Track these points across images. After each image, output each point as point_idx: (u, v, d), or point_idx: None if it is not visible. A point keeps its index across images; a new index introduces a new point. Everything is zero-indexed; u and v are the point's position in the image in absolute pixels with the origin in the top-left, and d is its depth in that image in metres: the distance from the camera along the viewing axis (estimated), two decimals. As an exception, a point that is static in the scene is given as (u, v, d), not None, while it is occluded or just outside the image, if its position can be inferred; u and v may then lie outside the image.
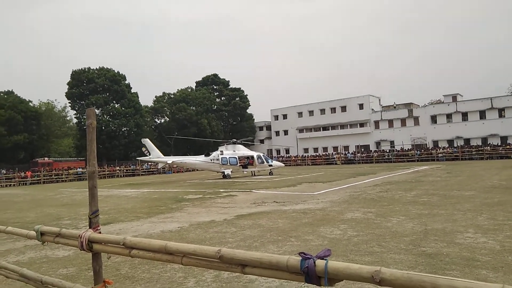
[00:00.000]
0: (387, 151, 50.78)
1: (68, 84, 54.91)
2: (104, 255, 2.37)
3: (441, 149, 46.02)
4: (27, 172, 39.77)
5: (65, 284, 2.52)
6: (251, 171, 29.74)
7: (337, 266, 1.35)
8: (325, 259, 1.39)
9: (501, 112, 48.77)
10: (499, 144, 44.70)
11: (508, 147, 40.90)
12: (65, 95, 55.51)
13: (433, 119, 53.65)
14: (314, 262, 1.37)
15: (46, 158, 48.20)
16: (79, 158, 52.29)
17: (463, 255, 5.13)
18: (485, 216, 7.87)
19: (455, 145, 48.42)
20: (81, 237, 2.24)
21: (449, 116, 52.50)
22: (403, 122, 56.11)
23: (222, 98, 71.89)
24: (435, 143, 52.12)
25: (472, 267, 4.59)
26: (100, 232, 2.35)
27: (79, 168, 43.99)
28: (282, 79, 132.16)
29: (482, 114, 49.81)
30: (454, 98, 53.64)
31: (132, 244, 1.99)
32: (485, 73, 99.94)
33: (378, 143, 57.52)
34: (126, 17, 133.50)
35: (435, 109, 54.34)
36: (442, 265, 4.75)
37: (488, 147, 42.55)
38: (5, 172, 40.74)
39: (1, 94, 51.31)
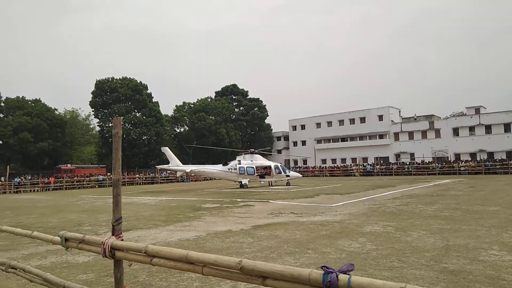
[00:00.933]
0: (407, 163, 49.81)
1: (92, 93, 56.47)
2: (126, 262, 2.41)
3: (463, 163, 44.80)
4: (50, 178, 40.88)
5: (87, 290, 2.56)
6: (268, 181, 29.66)
7: (360, 281, 1.34)
8: (348, 274, 1.38)
9: (526, 125, 47.27)
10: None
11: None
12: (89, 104, 57.10)
13: (455, 131, 52.44)
14: (337, 277, 1.36)
15: (68, 165, 49.44)
16: (100, 165, 53.39)
17: (488, 273, 4.96)
18: (511, 232, 7.59)
19: (478, 159, 47.08)
20: (104, 244, 2.29)
21: (471, 128, 51.21)
22: (423, 134, 55.05)
23: (241, 108, 72.37)
24: (457, 156, 50.83)
25: (498, 286, 4.43)
26: (122, 239, 2.39)
27: (100, 175, 44.89)
28: (301, 90, 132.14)
29: (507, 127, 48.38)
30: (477, 110, 52.38)
31: (154, 252, 2.02)
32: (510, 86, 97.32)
33: (397, 155, 56.53)
34: (148, 28, 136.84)
35: (457, 122, 53.14)
36: (466, 283, 4.60)
37: (514, 161, 41.17)
38: (30, 177, 41.97)
39: (29, 103, 53.16)
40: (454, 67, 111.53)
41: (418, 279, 4.82)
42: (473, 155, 49.73)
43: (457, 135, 52.16)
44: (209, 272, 1.82)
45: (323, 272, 1.41)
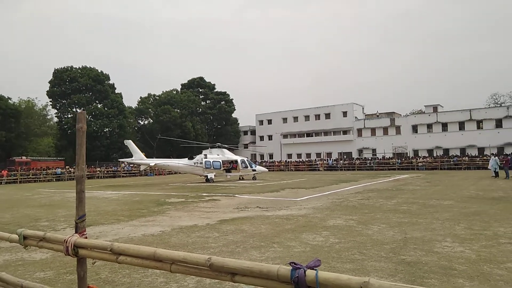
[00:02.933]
0: (369, 159, 51.58)
1: (49, 82, 53.74)
2: (89, 260, 2.34)
3: (421, 158, 47.05)
4: (3, 171, 38.55)
5: (47, 289, 2.47)
6: (239, 176, 29.72)
7: (327, 276, 1.39)
8: (315, 270, 1.42)
9: (479, 123, 50.30)
10: (476, 155, 46.03)
11: (484, 158, 42.14)
12: (47, 94, 54.32)
13: (414, 128, 54.88)
14: (305, 272, 1.40)
15: (23, 157, 46.88)
16: (58, 158, 51.08)
17: (441, 264, 5.26)
18: (463, 225, 8.09)
19: (435, 155, 49.61)
20: (66, 242, 2.21)
21: (429, 126, 53.81)
22: (385, 130, 57.17)
23: (207, 102, 71.69)
24: (416, 152, 53.29)
25: (450, 276, 4.71)
26: (86, 237, 2.32)
27: (58, 168, 42.96)
28: (268, 84, 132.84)
29: (461, 125, 51.27)
30: (435, 108, 55.05)
31: (120, 250, 1.97)
32: (465, 83, 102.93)
33: (360, 151, 58.38)
34: (113, 16, 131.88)
35: (416, 119, 55.61)
36: (421, 273, 4.86)
37: (466, 158, 43.76)
38: (-21, 170, 39.40)
39: (-21, 91, 49.78)
40: (417, 65, 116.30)
41: (378, 270, 5.03)
42: (430, 151, 52.32)
43: (416, 132, 54.63)
44: (178, 269, 1.80)
45: (291, 268, 1.45)
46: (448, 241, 6.62)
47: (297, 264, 1.44)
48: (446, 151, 51.14)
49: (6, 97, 52.21)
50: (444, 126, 52.54)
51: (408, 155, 52.49)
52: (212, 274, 1.66)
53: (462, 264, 5.23)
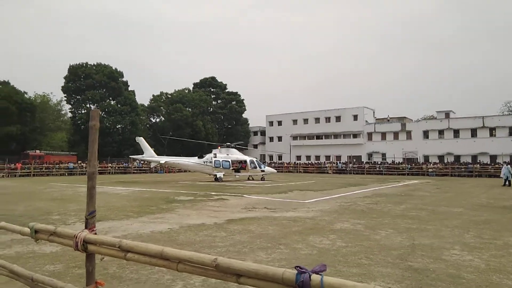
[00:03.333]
0: (379, 163, 51.14)
1: (65, 78, 54.51)
2: (98, 255, 2.38)
3: (431, 164, 46.48)
4: (17, 164, 39.27)
5: (57, 283, 2.52)
6: (248, 176, 29.79)
7: (332, 282, 1.40)
8: (321, 274, 1.43)
9: (492, 131, 49.47)
10: (488, 162, 45.28)
11: (497, 166, 41.44)
12: (61, 89, 55.12)
13: (425, 134, 54.23)
14: (310, 277, 1.41)
15: (37, 151, 47.65)
16: (71, 153, 51.79)
17: (449, 272, 5.21)
18: (472, 233, 7.98)
19: (446, 161, 48.95)
20: (76, 237, 2.26)
21: (441, 132, 53.11)
22: (395, 135, 56.62)
23: (219, 101, 71.94)
24: (426, 158, 52.66)
25: (458, 285, 4.66)
26: (96, 233, 2.36)
27: (71, 163, 43.57)
28: (279, 86, 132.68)
29: (474, 132, 50.49)
30: (447, 114, 54.33)
31: (128, 247, 2.01)
32: (477, 88, 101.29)
33: (370, 155, 57.93)
34: (127, 15, 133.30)
35: (428, 125, 54.96)
36: (428, 281, 4.81)
37: (478, 165, 43.06)
38: (-6, 162, 40.18)
39: (-3, 84, 50.74)
40: (431, 71, 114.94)
41: (384, 276, 5.00)
42: (441, 157, 51.63)
43: (427, 137, 53.97)
44: (184, 268, 1.83)
45: (296, 272, 1.46)
46: (456, 249, 6.54)
47: (302, 268, 1.46)
48: (458, 157, 50.42)
49: (22, 91, 53.17)
50: (456, 132, 51.82)
51: (419, 161, 51.90)
52: (218, 274, 1.68)
53: (470, 273, 5.17)
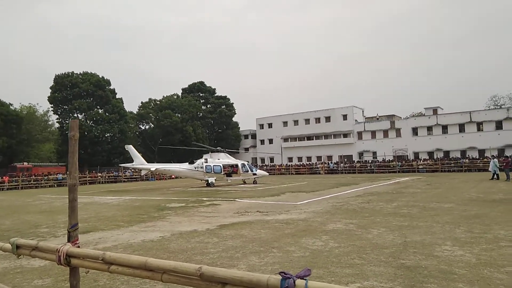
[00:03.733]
0: (370, 161, 51.49)
1: (51, 88, 53.86)
2: (83, 269, 2.33)
3: (421, 161, 46.96)
4: (4, 177, 38.56)
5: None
6: (242, 179, 29.74)
7: (316, 286, 1.38)
8: (305, 279, 1.41)
9: (479, 125, 50.23)
10: (477, 157, 45.92)
11: (485, 160, 42.05)
12: (48, 99, 54.40)
13: (414, 131, 54.83)
14: (294, 282, 1.39)
15: (25, 163, 46.88)
16: (59, 164, 51.09)
17: (441, 268, 5.23)
18: (463, 228, 8.05)
19: (435, 157, 49.51)
20: (59, 252, 2.20)
21: (429, 128, 53.75)
22: (385, 133, 57.13)
23: (208, 106, 71.81)
24: (416, 154, 53.20)
25: (449, 281, 4.68)
26: (79, 246, 2.31)
27: (59, 174, 42.97)
28: (268, 88, 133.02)
29: (462, 127, 51.21)
30: (435, 111, 55.02)
31: (111, 259, 1.96)
32: (462, 84, 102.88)
33: (361, 154, 58.31)
34: (114, 22, 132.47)
35: (416, 122, 55.58)
36: (421, 278, 4.83)
37: (467, 160, 43.65)
38: (-19, 176, 39.42)
39: (-20, 97, 49.84)
40: (418, 69, 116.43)
41: (377, 275, 5.00)
42: (430, 153, 52.21)
43: (416, 134, 54.57)
44: (169, 279, 1.79)
45: (281, 278, 1.44)
46: (448, 245, 6.59)
47: (286, 274, 1.43)
48: (447, 153, 51.05)
49: (8, 103, 52.37)
50: (444, 128, 52.50)
51: (409, 158, 52.41)
52: (203, 284, 1.65)
53: (462, 268, 5.20)
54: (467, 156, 47.50)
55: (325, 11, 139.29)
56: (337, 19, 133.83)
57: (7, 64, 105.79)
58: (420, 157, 51.22)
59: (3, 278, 5.52)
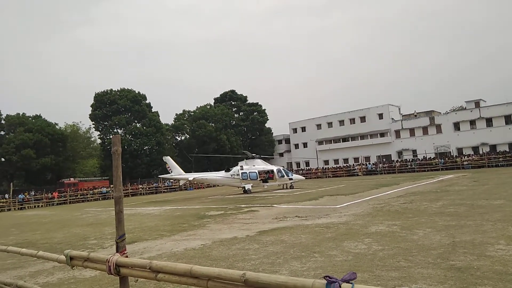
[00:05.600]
0: (410, 160, 49.69)
1: (91, 106, 56.71)
2: (132, 278, 2.42)
3: (466, 157, 44.69)
4: (54, 193, 40.92)
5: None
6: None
7: (362, 289, 1.35)
8: (351, 283, 1.39)
9: (527, 116, 47.17)
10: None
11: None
12: (89, 117, 57.35)
13: (456, 126, 52.34)
14: (340, 286, 1.37)
15: (71, 179, 49.51)
16: (103, 178, 53.44)
17: (495, 268, 4.94)
18: (517, 226, 7.57)
19: (481, 152, 46.97)
20: (108, 262, 2.30)
21: (472, 122, 51.10)
22: (425, 130, 54.96)
23: (240, 114, 72.53)
24: (460, 150, 50.70)
25: (506, 282, 4.41)
26: (127, 256, 2.40)
27: (104, 187, 44.92)
28: (300, 93, 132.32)
29: (508, 119, 48.28)
30: (477, 103, 52.30)
31: (158, 268, 2.03)
32: (506, 76, 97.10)
33: (400, 153, 56.43)
34: (144, 38, 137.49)
35: (458, 116, 53.05)
36: (473, 279, 4.58)
37: (517, 153, 41.01)
38: (33, 193, 42.04)
39: (30, 119, 53.35)
40: (452, 62, 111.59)
41: (426, 278, 4.80)
42: (475, 148, 49.59)
43: (458, 129, 52.06)
44: (214, 286, 1.82)
45: (326, 282, 1.42)
46: (501, 244, 6.21)
47: (331, 278, 1.41)
48: (493, 147, 48.25)
49: (54, 123, 55.70)
50: (489, 121, 49.70)
51: (452, 154, 50.03)
52: (247, 289, 1.66)
53: (519, 268, 4.88)
54: (516, 149, 44.67)
55: (349, 11, 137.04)
56: (363, 17, 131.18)
57: (50, 86, 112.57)
58: (464, 153, 48.78)
59: (58, 289, 5.83)
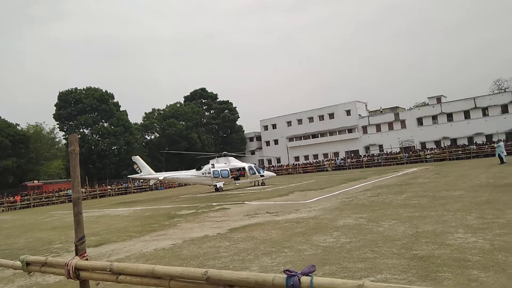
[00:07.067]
0: (376, 155, 51.22)
1: (55, 105, 54.40)
2: (93, 281, 2.35)
3: (428, 151, 46.60)
4: (16, 197, 39.01)
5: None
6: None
7: (321, 282, 1.38)
8: (310, 276, 1.41)
9: (484, 111, 49.75)
10: (484, 142, 45.47)
11: (493, 145, 41.59)
12: (53, 117, 54.94)
13: (419, 121, 54.45)
14: (299, 279, 1.39)
15: (35, 181, 47.39)
16: (69, 179, 51.40)
17: (454, 256, 5.19)
18: (474, 215, 7.98)
19: (442, 146, 49.13)
20: (67, 265, 2.22)
21: (434, 117, 53.34)
22: (390, 126, 56.81)
23: (211, 112, 72.01)
24: (423, 144, 52.82)
25: (464, 268, 4.64)
26: (87, 259, 2.33)
27: (70, 189, 43.32)
28: (270, 90, 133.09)
29: (467, 114, 50.75)
30: (439, 99, 54.59)
31: (119, 270, 1.98)
32: (467, 79, 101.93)
33: (367, 148, 58.05)
34: (111, 36, 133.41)
35: (421, 112, 55.18)
36: (434, 267, 4.79)
37: (474, 146, 43.23)
38: (-7, 198, 39.90)
39: (-13, 119, 50.54)
40: (414, 59, 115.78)
41: (391, 268, 4.97)
42: (437, 142, 51.81)
43: (421, 124, 54.19)
44: (177, 285, 1.80)
45: (286, 276, 1.44)
46: (460, 232, 6.53)
47: (291, 271, 1.44)
48: (454, 141, 50.62)
49: (14, 123, 52.97)
50: (449, 116, 52.07)
51: (415, 148, 52.04)
52: (210, 287, 1.65)
53: (475, 254, 5.15)
54: (474, 142, 47.03)
55: (317, 9, 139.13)
56: (330, 15, 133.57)
57: (9, 84, 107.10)
58: (427, 147, 50.85)
59: (19, 296, 5.57)
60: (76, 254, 2.36)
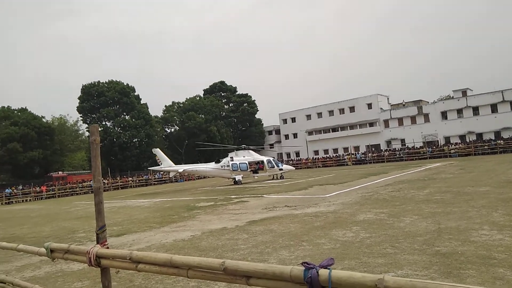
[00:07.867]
0: (398, 149, 50.23)
1: (79, 98, 55.79)
2: (113, 269, 2.39)
3: (453, 145, 45.34)
4: (42, 187, 40.40)
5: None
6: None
7: (340, 275, 1.34)
8: (329, 269, 1.38)
9: (513, 104, 47.92)
10: (512, 137, 43.86)
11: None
12: (77, 110, 56.42)
13: (444, 115, 52.96)
14: (317, 272, 1.37)
15: (60, 172, 48.91)
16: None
17: (479, 253, 5.04)
18: (501, 212, 7.72)
19: (467, 141, 47.68)
20: (89, 253, 2.27)
21: (459, 111, 51.73)
22: (413, 119, 55.49)
23: (230, 105, 72.20)
24: (447, 139, 51.39)
25: (489, 266, 4.50)
26: (108, 247, 2.37)
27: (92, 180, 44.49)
28: (290, 84, 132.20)
29: (494, 108, 48.98)
30: (464, 93, 52.89)
31: (138, 258, 2.01)
32: (494, 72, 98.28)
33: (388, 142, 56.97)
34: (132, 30, 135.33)
35: (445, 105, 53.62)
36: (457, 264, 4.66)
37: (501, 141, 41.76)
38: (21, 187, 41.46)
39: (15, 112, 52.32)
40: (439, 52, 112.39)
41: (411, 264, 4.87)
42: (462, 137, 50.32)
43: (446, 118, 52.69)
44: (194, 274, 1.81)
45: (303, 268, 1.41)
46: (485, 229, 6.33)
47: (309, 264, 1.41)
48: (480, 135, 49.02)
49: (40, 116, 54.70)
50: (475, 110, 50.39)
51: (439, 143, 50.71)
52: (228, 278, 1.65)
53: (501, 252, 4.99)
54: (501, 137, 45.42)
55: (332, 3, 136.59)
56: (359, 8, 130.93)
57: (34, 80, 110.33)
58: (451, 141, 49.47)
59: (46, 282, 5.77)
60: (97, 243, 2.40)
